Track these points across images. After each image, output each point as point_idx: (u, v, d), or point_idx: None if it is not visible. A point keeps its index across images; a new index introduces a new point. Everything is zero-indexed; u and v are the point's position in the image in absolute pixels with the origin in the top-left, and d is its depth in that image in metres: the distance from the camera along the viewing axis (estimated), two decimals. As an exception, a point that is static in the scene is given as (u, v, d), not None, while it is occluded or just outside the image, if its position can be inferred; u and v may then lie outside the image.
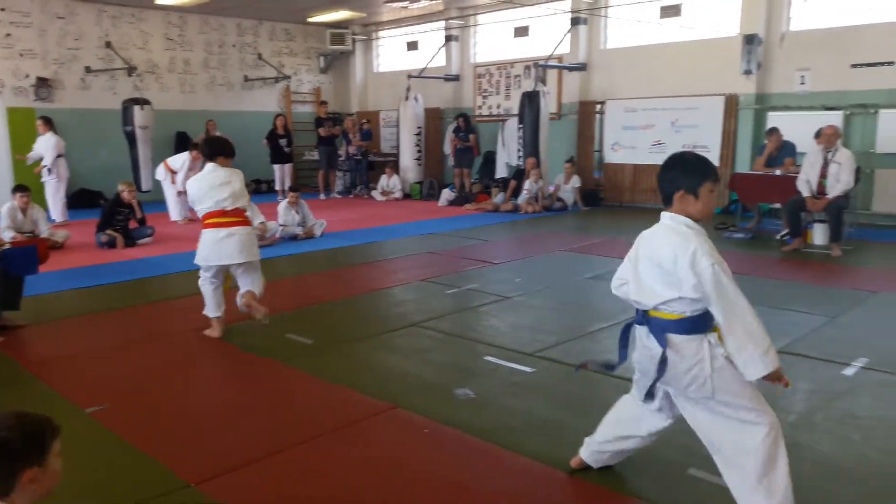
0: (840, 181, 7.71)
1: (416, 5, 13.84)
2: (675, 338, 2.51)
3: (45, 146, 10.58)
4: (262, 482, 3.01)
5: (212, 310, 5.03)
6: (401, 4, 13.70)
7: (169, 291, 6.49)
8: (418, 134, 14.36)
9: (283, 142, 13.82)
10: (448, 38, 14.53)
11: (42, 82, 12.77)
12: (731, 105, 10.79)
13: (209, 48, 14.90)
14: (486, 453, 3.22)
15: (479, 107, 14.42)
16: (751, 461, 2.42)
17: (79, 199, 12.50)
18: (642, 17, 11.68)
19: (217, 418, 3.68)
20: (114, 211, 8.74)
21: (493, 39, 14.24)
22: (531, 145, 11.85)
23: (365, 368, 4.41)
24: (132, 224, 8.95)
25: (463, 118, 13.64)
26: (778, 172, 8.86)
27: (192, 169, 10.71)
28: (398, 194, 13.97)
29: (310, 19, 15.26)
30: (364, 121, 15.23)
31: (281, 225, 9.03)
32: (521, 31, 13.65)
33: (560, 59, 12.53)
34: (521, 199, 11.67)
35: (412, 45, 15.76)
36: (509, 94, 13.78)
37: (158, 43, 14.20)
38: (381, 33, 16.37)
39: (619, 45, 12.27)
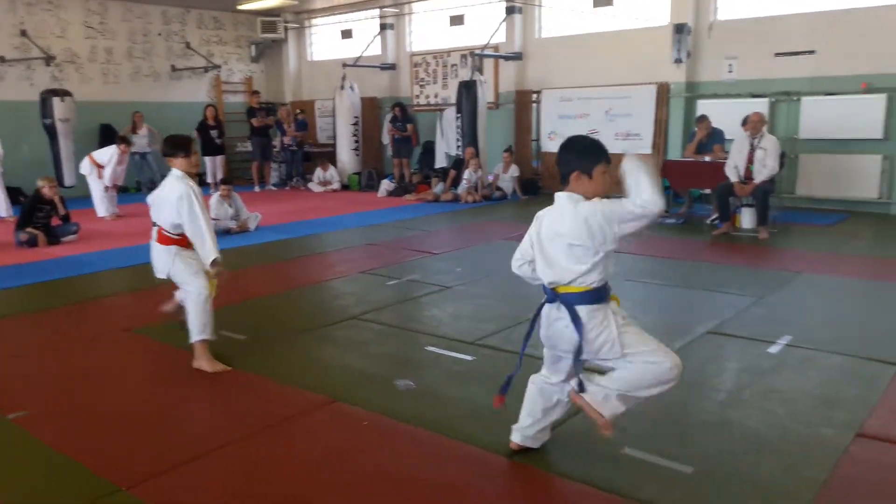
0: (766, 166, 7.96)
1: (349, -7, 13.67)
2: (582, 309, 2.75)
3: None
4: (197, 482, 2.93)
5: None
6: (334, -8, 13.51)
7: (95, 290, 6.26)
8: (355, 124, 14.20)
9: (214, 133, 13.47)
10: (383, 27, 14.40)
11: (-47, 73, 12.12)
12: (663, 93, 11.02)
13: (133, 37, 14.38)
14: (428, 442, 3.21)
15: (417, 96, 14.35)
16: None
17: (-3, 196, 11.92)
18: (575, 6, 11.81)
19: (149, 419, 3.56)
20: (34, 208, 8.36)
21: (428, 28, 14.17)
22: (470, 135, 11.87)
23: (303, 363, 4.33)
24: (55, 221, 8.58)
25: (399, 107, 13.56)
26: (707, 159, 9.10)
27: (121, 163, 10.36)
28: (336, 185, 13.81)
29: (239, 7, 14.87)
30: (298, 111, 14.98)
31: (213, 219, 8.80)
32: (457, 20, 13.62)
33: (496, 48, 12.56)
34: (461, 188, 11.68)
35: (346, 34, 15.56)
36: (447, 84, 13.75)
37: (78, 31, 13.61)
38: (314, 21, 16.09)
39: (553, 35, 12.37)
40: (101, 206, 10.39)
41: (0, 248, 8.18)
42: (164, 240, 4.31)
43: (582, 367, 2.84)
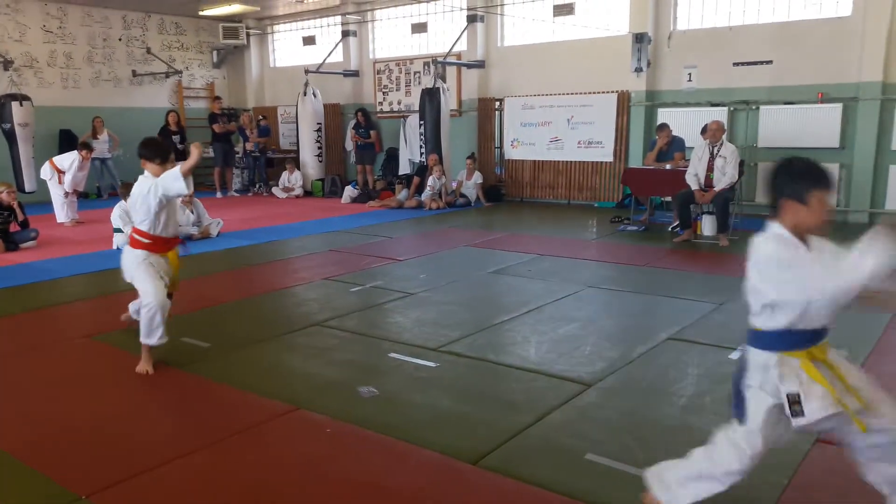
0: (726, 174, 8.12)
1: (311, -1, 13.62)
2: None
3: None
4: (158, 490, 2.88)
5: None
6: (296, -2, 13.45)
7: (55, 297, 6.11)
8: (318, 130, 14.13)
9: (175, 139, 13.28)
10: (345, 34, 14.36)
11: None
12: (624, 102, 11.18)
13: (93, 41, 14.12)
14: (391, 449, 3.20)
15: (380, 103, 14.33)
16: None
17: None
18: (537, 15, 11.93)
19: (109, 427, 3.49)
20: (-9, 213, 8.16)
21: (391, 35, 14.18)
22: (433, 142, 11.89)
23: (266, 371, 4.28)
24: (13, 227, 8.38)
25: (362, 113, 13.52)
26: (668, 167, 9.24)
27: (82, 169, 10.17)
28: (299, 191, 13.71)
29: (201, 13, 14.72)
30: (261, 117, 14.85)
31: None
32: (419, 28, 13.65)
33: (458, 56, 12.62)
34: (425, 195, 11.69)
35: (309, 40, 15.48)
36: (410, 91, 13.77)
37: (37, 35, 13.32)
38: (276, 27, 15.99)
39: (515, 43, 12.47)
40: (62, 211, 10.18)
41: (-49, 255, 7.94)
42: (136, 243, 4.33)
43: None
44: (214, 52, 16.08)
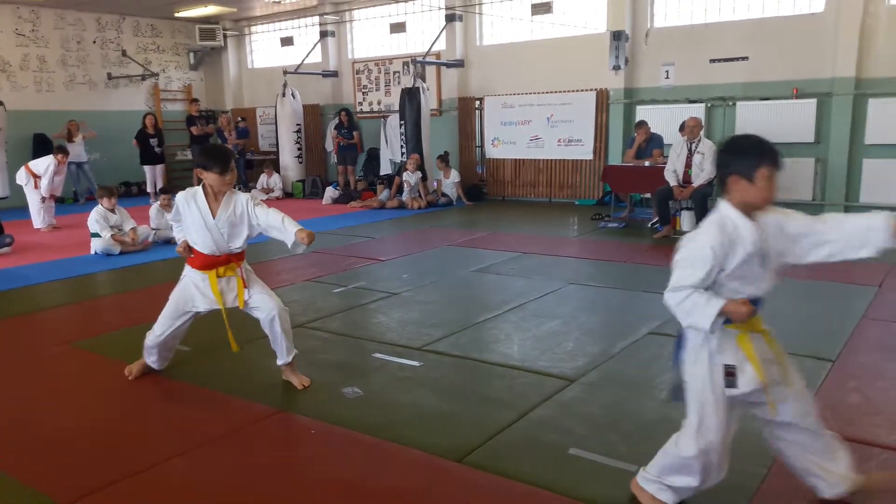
0: (704, 170, 8.20)
1: (288, 0, 13.53)
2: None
3: None
4: (140, 496, 2.86)
5: None
6: (273, -1, 13.38)
7: (31, 304, 6.03)
8: (298, 131, 14.07)
9: (153, 142, 13.18)
10: (323, 34, 14.31)
11: None
12: (602, 100, 11.24)
13: (66, 44, 13.96)
14: (376, 449, 3.20)
15: (360, 103, 14.31)
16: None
17: (-78, 209, 11.40)
18: (515, 14, 11.96)
19: (90, 434, 3.46)
20: (-36, 220, 8.04)
21: (370, 35, 14.16)
22: (413, 141, 11.89)
23: (248, 373, 4.26)
24: (-13, 233, 8.27)
25: (345, 113, 13.49)
26: (647, 164, 9.32)
27: (58, 173, 10.04)
28: (278, 193, 13.65)
29: (177, 14, 14.60)
30: (239, 118, 14.77)
31: (153, 229, 8.60)
32: (398, 28, 13.65)
33: (438, 55, 12.63)
34: (405, 194, 11.68)
35: (287, 41, 15.41)
36: (389, 91, 13.75)
37: (8, 39, 13.15)
38: (253, 28, 15.90)
39: (494, 42, 12.50)
40: (38, 217, 10.05)
41: (-75, 263, 7.81)
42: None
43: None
44: (191, 54, 15.96)
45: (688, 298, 2.35)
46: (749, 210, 2.40)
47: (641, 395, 3.74)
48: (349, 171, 13.60)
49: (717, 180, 2.54)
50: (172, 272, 7.12)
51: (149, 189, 13.10)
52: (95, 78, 14.44)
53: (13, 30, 13.18)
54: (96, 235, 8.01)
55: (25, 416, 3.70)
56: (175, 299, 4.04)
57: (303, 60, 13.91)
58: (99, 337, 4.97)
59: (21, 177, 10.02)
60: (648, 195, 9.75)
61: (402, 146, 12.23)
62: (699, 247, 2.37)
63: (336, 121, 13.65)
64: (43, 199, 9.98)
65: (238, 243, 3.96)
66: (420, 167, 11.76)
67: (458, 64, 12.63)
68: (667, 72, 10.68)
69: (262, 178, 13.80)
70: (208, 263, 3.94)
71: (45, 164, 9.92)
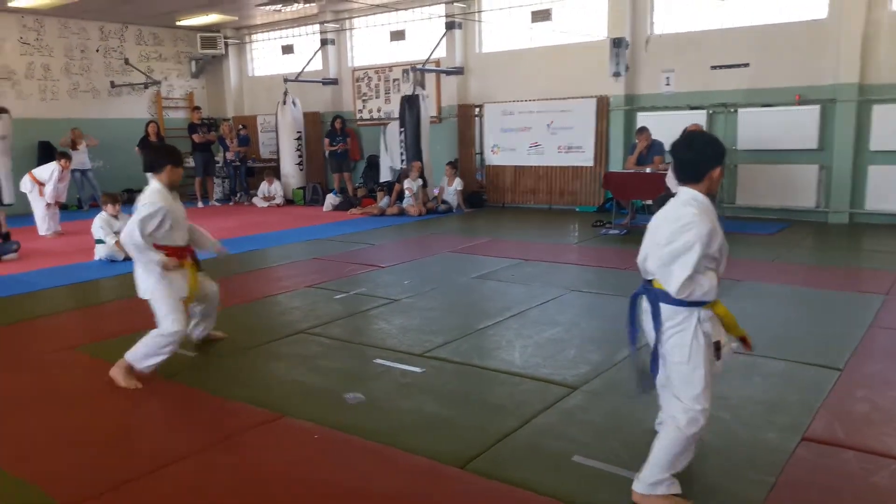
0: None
1: (289, 8, 13.58)
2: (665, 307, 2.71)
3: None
4: (145, 499, 2.86)
5: None
6: (273, 8, 13.41)
7: (36, 310, 6.03)
8: (298, 138, 14.09)
9: (155, 149, 13.18)
10: (324, 42, 14.35)
11: None
12: (603, 106, 11.26)
13: (70, 53, 14.01)
14: (378, 454, 3.20)
15: (360, 111, 14.34)
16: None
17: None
18: (514, 21, 12.00)
19: (95, 438, 3.47)
20: (-29, 227, 8.07)
21: (370, 43, 14.20)
22: (413, 148, 11.91)
23: (251, 379, 4.26)
24: (-6, 240, 8.31)
25: (340, 120, 13.50)
26: (648, 170, 9.32)
27: (62, 180, 10.08)
28: (279, 200, 13.67)
29: (178, 23, 14.65)
30: (241, 126, 14.79)
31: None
32: (398, 35, 13.69)
33: (437, 62, 12.66)
34: (406, 201, 11.70)
35: (287, 49, 15.46)
36: (389, 98, 13.78)
37: (13, 47, 13.20)
38: (254, 37, 15.95)
39: (494, 49, 12.53)
40: (43, 224, 10.11)
41: (-73, 270, 7.83)
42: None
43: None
44: (193, 62, 16.01)
45: (697, 277, 2.60)
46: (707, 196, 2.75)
47: (645, 403, 3.71)
48: (346, 177, 13.60)
49: (691, 173, 2.79)
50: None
51: (150, 196, 13.10)
52: (99, 86, 14.48)
53: (18, 38, 13.23)
54: (100, 242, 8.04)
55: (30, 420, 3.70)
56: (168, 294, 4.09)
57: (303, 68, 13.95)
58: (102, 342, 4.97)
59: (25, 184, 10.06)
60: (650, 202, 9.74)
61: (401, 153, 12.25)
62: (698, 234, 2.59)
63: (330, 128, 13.63)
64: (48, 206, 10.03)
65: None
66: (421, 174, 11.78)
67: (458, 71, 12.66)
68: (667, 78, 10.70)
69: (263, 186, 13.82)
70: (182, 256, 4.22)
71: (48, 171, 9.97)
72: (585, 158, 11.55)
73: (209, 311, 4.68)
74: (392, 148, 13.34)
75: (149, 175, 4.35)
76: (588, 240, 8.93)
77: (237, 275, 7.34)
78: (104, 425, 3.64)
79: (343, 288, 6.47)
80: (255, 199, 13.81)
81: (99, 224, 8.01)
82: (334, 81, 14.48)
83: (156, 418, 3.74)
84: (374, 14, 13.64)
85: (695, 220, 2.62)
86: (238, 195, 14.30)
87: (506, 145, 12.41)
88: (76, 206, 13.29)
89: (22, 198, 10.57)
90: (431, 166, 12.30)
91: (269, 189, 13.74)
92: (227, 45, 15.67)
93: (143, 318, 4.95)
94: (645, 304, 2.81)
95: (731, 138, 10.14)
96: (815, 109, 9.47)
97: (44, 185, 9.92)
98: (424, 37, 13.13)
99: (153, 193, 4.19)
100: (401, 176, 12.11)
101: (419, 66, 12.20)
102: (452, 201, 12.04)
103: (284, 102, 13.82)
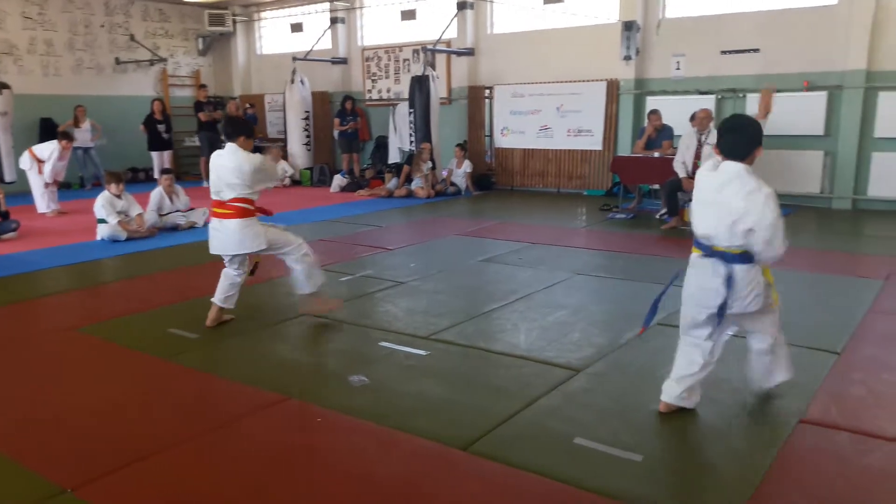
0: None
1: (299, -14, 13.49)
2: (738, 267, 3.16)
3: None
4: (146, 482, 2.87)
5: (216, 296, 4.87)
6: (284, -15, 13.32)
7: (37, 290, 6.05)
8: (306, 118, 14.04)
9: (161, 127, 13.18)
10: (333, 21, 14.25)
11: None
12: (613, 90, 11.18)
13: (74, 28, 13.93)
14: (382, 437, 3.20)
15: (369, 91, 14.27)
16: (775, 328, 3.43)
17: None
18: (526, 2, 11.89)
19: (96, 420, 3.47)
20: (-29, 204, 8.07)
21: (380, 22, 14.09)
22: (423, 130, 11.85)
23: (255, 360, 4.27)
24: (-6, 218, 8.29)
25: (350, 101, 13.44)
26: (656, 155, 9.27)
27: (62, 158, 10.04)
28: (286, 181, 13.64)
29: (186, -1, 14.58)
30: (248, 105, 14.74)
31: (162, 214, 8.59)
32: (409, 15, 13.58)
33: (448, 43, 12.57)
34: (415, 183, 11.66)
35: (296, 27, 15.36)
36: (399, 79, 13.70)
37: (16, 22, 13.11)
38: (263, 14, 15.85)
39: (505, 31, 12.43)
40: (42, 202, 10.06)
41: (-66, 246, 7.85)
42: (248, 213, 4.72)
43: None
44: (200, 40, 15.92)
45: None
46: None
47: (648, 386, 3.73)
48: (354, 158, 13.56)
49: (740, 152, 3.14)
50: (178, 258, 7.19)
51: (156, 175, 13.11)
52: (103, 62, 14.42)
53: (20, 13, 13.15)
54: (102, 221, 8.02)
55: (31, 401, 3.72)
56: (278, 232, 4.88)
57: (312, 47, 13.87)
58: (105, 322, 4.99)
59: (25, 161, 10.01)
60: (657, 186, 9.69)
61: (410, 134, 12.19)
62: (776, 203, 3.08)
63: (340, 109, 13.56)
64: (46, 185, 9.98)
65: None
66: (430, 156, 11.73)
67: (469, 52, 12.57)
68: (678, 62, 10.60)
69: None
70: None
71: (49, 150, 9.91)
72: (594, 142, 11.48)
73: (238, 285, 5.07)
74: (401, 129, 13.28)
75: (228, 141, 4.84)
76: (595, 223, 8.90)
77: (243, 254, 7.33)
78: (106, 407, 3.65)
79: (349, 270, 6.46)
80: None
81: (101, 203, 7.99)
82: (343, 61, 14.40)
83: (158, 400, 3.74)
84: (383, -7, 13.53)
85: (768, 191, 3.06)
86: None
87: (515, 128, 12.34)
88: (79, 184, 13.29)
89: (21, 175, 10.54)
90: (441, 148, 12.25)
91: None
92: (235, 22, 15.58)
93: (144, 299, 4.98)
94: (717, 268, 3.16)
95: (741, 124, 10.04)
96: (822, 96, 9.39)
97: (43, 162, 9.87)
98: (435, 17, 13.02)
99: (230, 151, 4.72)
100: (410, 157, 12.05)
101: (430, 47, 12.11)
102: (461, 184, 11.99)
103: (293, 81, 13.75)
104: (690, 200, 8.74)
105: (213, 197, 4.75)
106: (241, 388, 3.78)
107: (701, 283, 3.23)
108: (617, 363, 4.07)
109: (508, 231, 8.33)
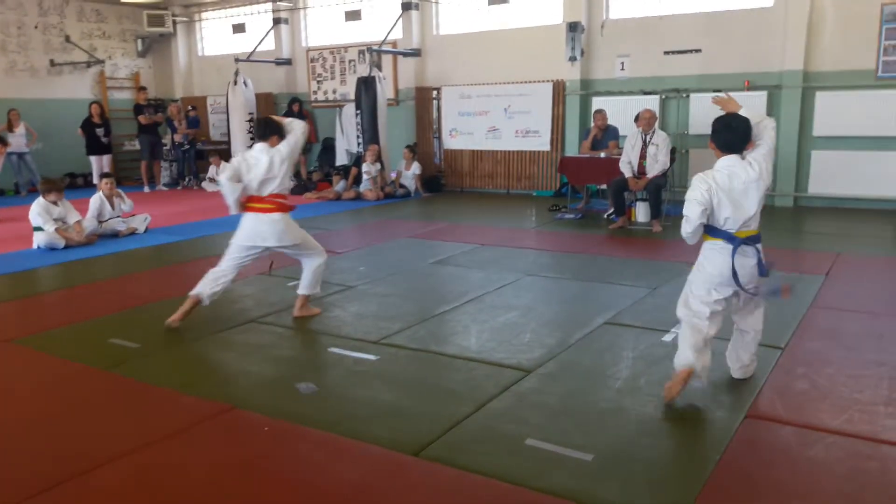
0: (658, 161, 8.29)
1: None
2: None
3: None
4: (88, 497, 2.76)
5: (204, 286, 4.90)
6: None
7: (-32, 300, 5.78)
8: (250, 120, 13.78)
9: (100, 131, 12.80)
10: (276, 21, 14.05)
11: None
12: (559, 91, 11.28)
13: (6, 29, 13.42)
14: (331, 445, 3.14)
15: (315, 92, 14.10)
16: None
17: None
18: (471, 3, 11.91)
19: (36, 433, 3.33)
20: None
21: (324, 23, 13.95)
22: (370, 131, 11.77)
23: (199, 370, 4.16)
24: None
25: (297, 104, 13.26)
26: (603, 155, 9.38)
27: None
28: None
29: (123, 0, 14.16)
30: (190, 107, 14.41)
31: (100, 221, 8.31)
32: (353, 15, 13.47)
33: (394, 44, 12.51)
34: (363, 185, 11.57)
35: (239, 28, 15.09)
36: (345, 80, 13.58)
37: (-57, 22, 12.59)
38: (203, 15, 15.53)
39: (451, 32, 12.43)
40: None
41: None
42: (285, 207, 5.02)
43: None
44: (139, 41, 15.52)
45: None
46: None
47: (597, 385, 3.75)
48: (301, 161, 13.38)
49: (737, 146, 3.55)
50: (119, 266, 6.97)
51: (95, 181, 12.71)
52: (37, 65, 13.92)
53: (-51, 13, 12.63)
54: (39, 229, 7.72)
55: (-38, 418, 3.54)
56: (308, 236, 5.27)
57: (255, 48, 13.64)
58: (42, 334, 4.79)
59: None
60: (604, 186, 9.81)
61: (358, 136, 12.10)
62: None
63: (287, 110, 13.37)
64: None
65: None
66: (378, 158, 11.65)
67: (415, 53, 12.53)
68: (622, 63, 10.76)
69: (211, 169, 13.44)
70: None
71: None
72: (542, 143, 11.57)
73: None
74: (348, 131, 13.16)
75: (257, 141, 4.93)
76: (545, 224, 8.96)
77: (186, 262, 7.16)
78: (44, 420, 3.50)
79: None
80: (204, 184, 13.48)
81: (37, 211, 7.68)
82: (288, 62, 14.21)
83: (100, 412, 3.61)
84: (328, -6, 13.40)
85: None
86: (187, 179, 13.95)
87: (464, 129, 12.35)
88: (13, 191, 12.80)
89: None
90: (389, 150, 12.18)
91: (216, 173, 13.39)
92: (175, 23, 15.22)
93: (85, 309, 4.80)
94: (752, 254, 3.51)
95: (684, 123, 10.27)
96: (762, 95, 9.64)
97: None
98: (380, 17, 12.95)
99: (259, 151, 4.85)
100: (358, 159, 11.94)
101: (375, 48, 12.04)
102: (410, 186, 11.95)
103: (236, 83, 13.48)
104: (637, 200, 8.95)
105: (254, 193, 4.87)
106: (184, 399, 3.67)
107: (742, 263, 3.48)
108: (567, 363, 4.08)
109: (459, 233, 8.32)
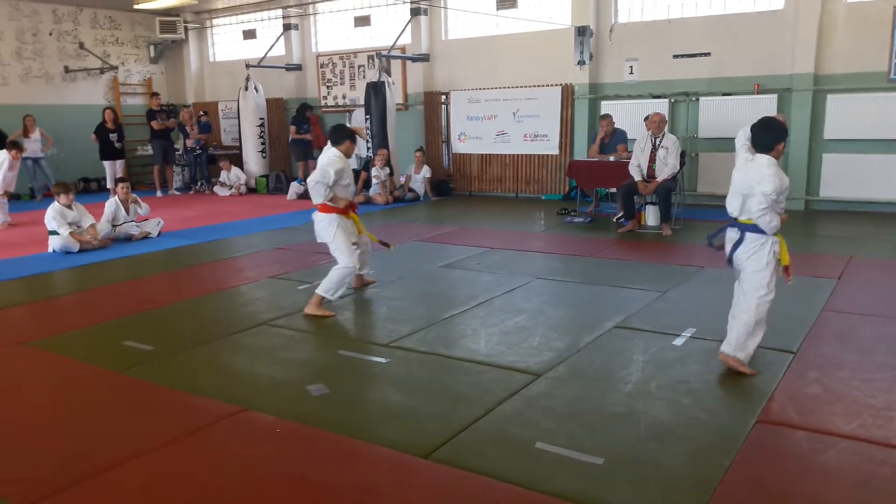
0: (668, 165, 8.28)
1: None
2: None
3: None
4: (102, 498, 2.79)
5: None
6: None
7: (-16, 304, 5.85)
8: (261, 125, 13.88)
9: (113, 136, 12.88)
10: (287, 27, 14.13)
11: None
12: (568, 95, 11.29)
13: (21, 36, 13.57)
14: (342, 447, 3.17)
15: (325, 97, 14.17)
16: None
17: None
18: (479, 8, 11.95)
19: (49, 434, 3.37)
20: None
21: (334, 29, 14.02)
22: (379, 136, 11.81)
23: (211, 372, 4.19)
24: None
25: (308, 108, 13.32)
26: (612, 158, 9.38)
27: (12, 169, 9.77)
28: (243, 189, 13.44)
29: (136, 6, 14.27)
30: (202, 112, 14.50)
31: (114, 225, 8.39)
32: (363, 21, 13.54)
33: (403, 49, 12.56)
34: (373, 190, 11.61)
35: (249, 34, 15.19)
36: (354, 85, 13.64)
37: (-39, 30, 12.74)
38: (215, 21, 15.63)
39: (459, 37, 12.47)
40: (-7, 213, 9.78)
41: None
42: (325, 208, 5.25)
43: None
44: (151, 47, 15.65)
45: (771, 214, 3.79)
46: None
47: (606, 389, 3.76)
48: (310, 165, 13.41)
49: (767, 146, 3.87)
50: (133, 270, 7.03)
51: (109, 185, 12.81)
52: (52, 71, 14.07)
53: (-35, 21, 12.78)
54: (54, 233, 7.81)
55: (-22, 420, 3.59)
56: (344, 238, 5.29)
57: (266, 54, 13.73)
58: (57, 336, 4.85)
59: (-26, 173, 9.72)
60: (614, 190, 9.81)
61: (367, 141, 12.14)
62: (781, 181, 3.75)
63: (296, 116, 13.42)
64: (-2, 196, 9.71)
65: None
66: (387, 162, 11.69)
67: (424, 58, 12.58)
68: (631, 67, 10.76)
69: (222, 174, 13.54)
70: (351, 207, 5.45)
71: (-1, 160, 9.65)
72: (551, 147, 11.58)
73: (365, 258, 5.75)
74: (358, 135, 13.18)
75: (330, 145, 5.35)
76: (553, 228, 8.97)
77: (198, 265, 7.22)
78: (58, 422, 3.54)
79: (307, 278, 6.39)
80: (216, 188, 13.57)
81: (52, 215, 7.77)
82: (298, 67, 14.29)
83: (113, 414, 3.65)
84: (337, -1, 13.47)
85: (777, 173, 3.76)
86: (199, 184, 14.04)
87: (472, 133, 12.38)
88: (29, 195, 12.93)
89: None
90: (398, 154, 12.22)
91: (227, 178, 13.48)
92: (187, 29, 15.34)
93: (98, 312, 4.85)
94: (733, 234, 3.96)
95: (693, 127, 10.25)
96: (772, 98, 9.60)
97: None
98: (389, 23, 13.00)
99: (335, 155, 5.25)
100: (367, 164, 11.99)
101: (384, 53, 12.08)
102: (420, 189, 11.98)
103: (247, 88, 13.59)
104: (647, 203, 8.94)
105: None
106: (197, 401, 3.71)
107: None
108: (577, 367, 4.09)
109: (468, 236, 8.34)
